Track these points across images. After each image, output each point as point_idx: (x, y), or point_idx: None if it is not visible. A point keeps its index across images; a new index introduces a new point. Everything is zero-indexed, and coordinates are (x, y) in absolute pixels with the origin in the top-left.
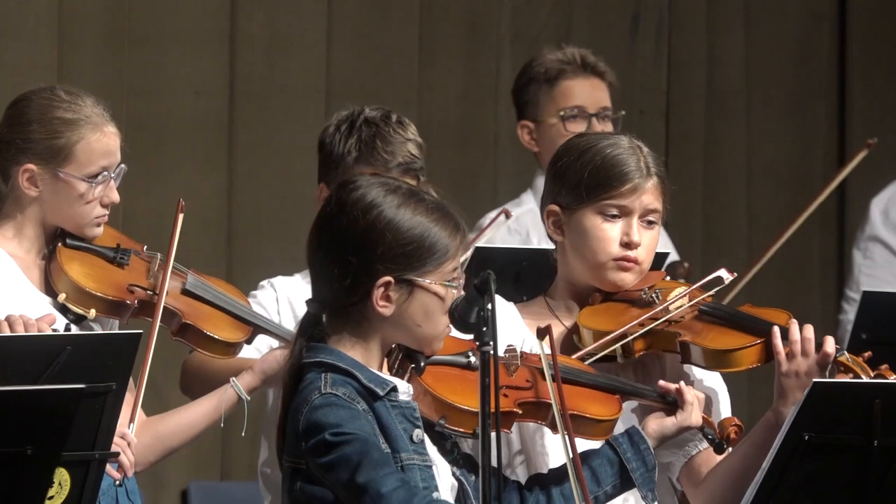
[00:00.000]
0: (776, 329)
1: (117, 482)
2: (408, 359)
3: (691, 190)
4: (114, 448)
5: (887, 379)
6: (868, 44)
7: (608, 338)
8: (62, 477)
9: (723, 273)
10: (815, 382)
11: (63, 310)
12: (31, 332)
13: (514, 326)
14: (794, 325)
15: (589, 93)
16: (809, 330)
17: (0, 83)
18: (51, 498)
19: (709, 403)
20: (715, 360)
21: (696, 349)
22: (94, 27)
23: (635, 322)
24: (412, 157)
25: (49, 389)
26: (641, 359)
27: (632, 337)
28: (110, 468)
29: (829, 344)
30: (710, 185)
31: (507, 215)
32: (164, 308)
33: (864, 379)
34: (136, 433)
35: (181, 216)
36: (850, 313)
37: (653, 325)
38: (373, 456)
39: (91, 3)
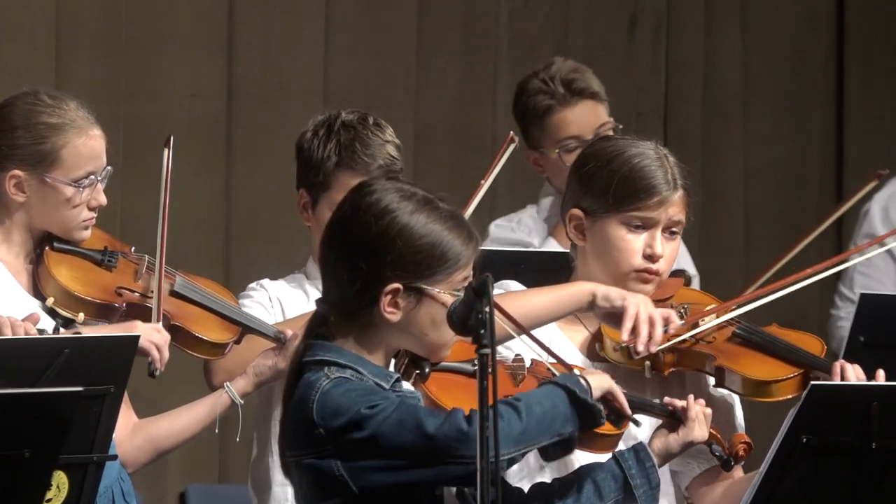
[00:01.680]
0: (837, 366)
1: (156, 371)
2: (413, 365)
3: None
4: (158, 340)
5: None
6: (865, 46)
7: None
8: (60, 480)
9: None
10: (812, 385)
11: (51, 313)
12: (18, 332)
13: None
14: (849, 367)
15: (582, 119)
16: (860, 371)
17: None
18: (49, 500)
19: (726, 415)
20: (753, 388)
21: (733, 376)
22: (92, 30)
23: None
24: (392, 159)
25: (47, 392)
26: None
27: (657, 348)
28: (157, 359)
29: (881, 377)
30: (708, 187)
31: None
32: (153, 310)
33: None
34: (129, 435)
35: (168, 154)
36: (842, 310)
37: (685, 344)
38: (421, 408)
39: (88, 6)
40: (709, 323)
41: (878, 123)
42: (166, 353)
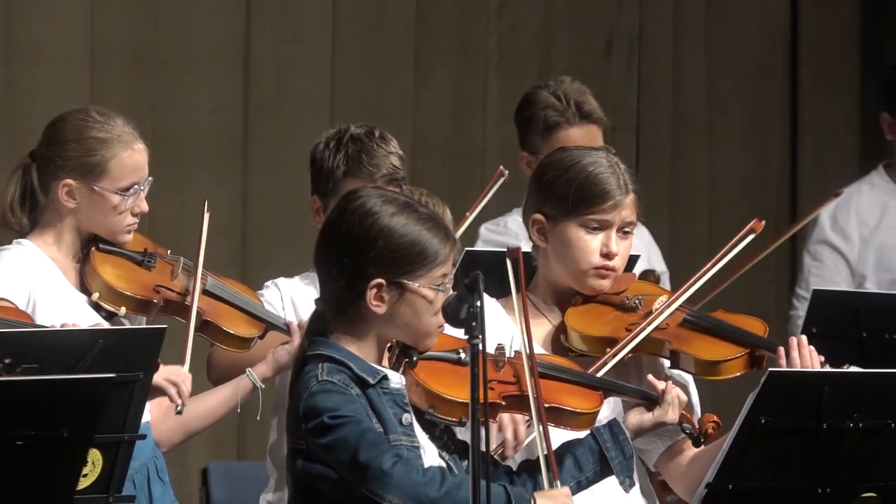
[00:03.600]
0: (782, 350)
1: (178, 408)
2: (403, 354)
3: (658, 198)
4: (175, 379)
5: None
6: (818, 66)
7: (616, 349)
8: (95, 457)
9: (753, 225)
10: (770, 372)
11: (96, 307)
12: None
13: (500, 323)
14: (795, 346)
15: (583, 140)
16: (807, 352)
17: (37, 103)
18: (85, 475)
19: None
20: (705, 368)
21: (686, 358)
22: (122, 52)
23: (630, 335)
24: (395, 169)
25: (83, 379)
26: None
27: (629, 348)
28: (175, 395)
29: (816, 362)
30: (676, 194)
31: (502, 174)
32: (189, 307)
33: None
34: (162, 418)
35: (207, 216)
36: (799, 310)
37: (644, 333)
38: (368, 437)
39: (119, 30)
40: (665, 313)
41: (829, 137)
42: (186, 388)
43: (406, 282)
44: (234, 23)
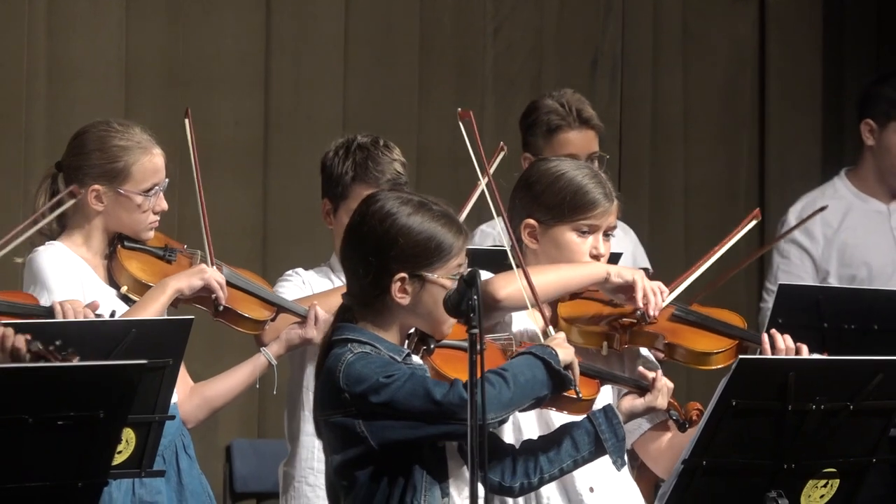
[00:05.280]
0: (766, 337)
1: (220, 307)
2: (421, 342)
3: (639, 203)
4: (222, 282)
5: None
6: (783, 85)
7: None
8: (128, 435)
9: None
10: (740, 358)
11: (125, 299)
12: (79, 317)
13: None
14: (779, 336)
15: (581, 143)
16: (789, 340)
17: (77, 116)
18: (119, 452)
19: (654, 370)
20: (697, 359)
21: (681, 349)
22: (154, 71)
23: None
24: (398, 174)
25: (118, 364)
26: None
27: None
28: (221, 297)
29: (805, 350)
30: (655, 200)
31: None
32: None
33: None
34: (187, 397)
35: (188, 121)
36: (769, 302)
37: (635, 326)
38: (429, 379)
39: (151, 51)
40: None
41: (794, 147)
42: (226, 293)
43: (426, 274)
44: (256, 45)
